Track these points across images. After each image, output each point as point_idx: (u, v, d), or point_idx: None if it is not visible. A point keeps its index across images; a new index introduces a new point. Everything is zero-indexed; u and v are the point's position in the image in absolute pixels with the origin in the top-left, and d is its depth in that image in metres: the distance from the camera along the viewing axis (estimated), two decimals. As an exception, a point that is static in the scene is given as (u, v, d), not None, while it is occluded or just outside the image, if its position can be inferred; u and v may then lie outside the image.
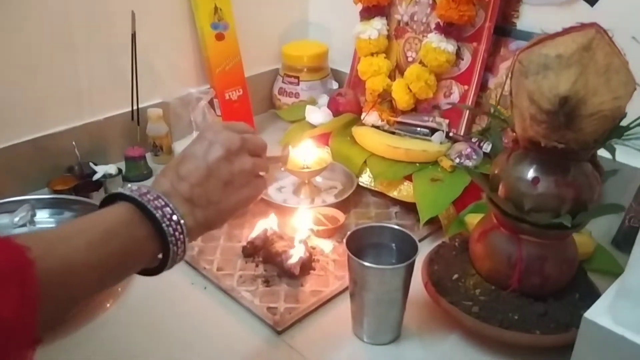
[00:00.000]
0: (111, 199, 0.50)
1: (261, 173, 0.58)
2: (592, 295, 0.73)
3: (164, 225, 0.48)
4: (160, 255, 0.51)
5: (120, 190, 0.50)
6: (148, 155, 1.17)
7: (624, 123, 0.66)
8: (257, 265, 0.90)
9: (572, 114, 0.60)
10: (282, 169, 0.98)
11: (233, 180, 0.54)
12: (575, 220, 0.68)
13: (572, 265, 0.75)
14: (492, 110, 0.96)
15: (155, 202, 0.48)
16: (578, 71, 0.60)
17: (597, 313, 0.67)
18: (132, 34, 1.07)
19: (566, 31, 0.65)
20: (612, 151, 0.64)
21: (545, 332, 0.71)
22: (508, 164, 0.72)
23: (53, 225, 0.95)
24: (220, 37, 1.23)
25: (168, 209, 0.49)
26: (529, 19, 1.06)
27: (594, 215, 0.69)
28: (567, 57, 0.61)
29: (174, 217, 0.49)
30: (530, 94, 0.62)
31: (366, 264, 0.70)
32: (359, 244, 0.75)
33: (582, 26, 0.65)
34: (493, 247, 0.75)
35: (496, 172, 0.74)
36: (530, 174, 0.69)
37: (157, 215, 0.48)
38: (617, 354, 0.65)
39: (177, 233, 0.49)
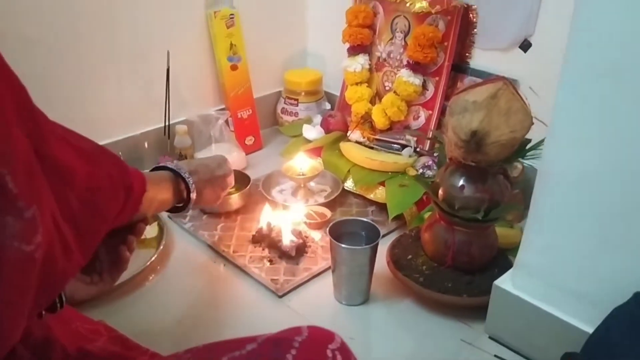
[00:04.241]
0: (158, 168, 0.84)
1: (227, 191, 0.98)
2: (507, 271, 1.01)
3: (187, 179, 0.82)
4: (185, 196, 0.84)
5: (164, 164, 0.84)
6: (176, 161, 1.44)
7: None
8: (263, 249, 1.17)
9: (480, 143, 0.88)
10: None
11: (216, 185, 0.91)
12: (489, 216, 0.96)
13: (492, 249, 1.03)
14: (433, 135, 1.24)
15: (181, 170, 0.82)
16: (485, 113, 0.88)
17: (503, 281, 0.95)
18: (167, 68, 1.35)
19: (483, 82, 0.93)
20: (511, 167, 0.92)
21: (471, 296, 0.99)
22: (445, 174, 1.00)
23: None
24: (234, 67, 1.51)
25: (187, 174, 0.83)
26: (479, 59, 1.34)
27: (502, 212, 0.97)
28: (479, 103, 0.89)
29: (189, 180, 0.82)
30: (453, 128, 0.90)
31: (342, 245, 0.98)
32: (339, 232, 1.03)
33: (496, 79, 0.93)
34: (435, 235, 1.03)
35: (437, 180, 1.02)
36: (459, 182, 0.97)
37: (183, 174, 0.82)
38: (516, 309, 0.92)
39: (191, 185, 0.83)
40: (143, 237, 1.17)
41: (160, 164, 0.85)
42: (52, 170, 0.56)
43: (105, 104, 1.35)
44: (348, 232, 1.04)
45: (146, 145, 1.44)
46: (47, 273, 0.54)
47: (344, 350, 0.59)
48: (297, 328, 0.61)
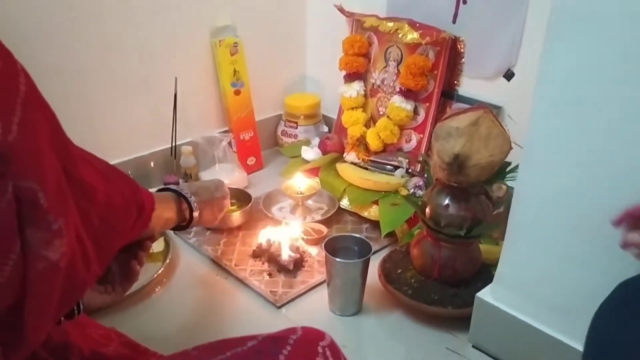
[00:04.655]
0: (162, 190, 0.93)
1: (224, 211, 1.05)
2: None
3: (190, 199, 0.91)
4: (187, 216, 0.92)
5: (169, 186, 0.93)
6: (181, 181, 1.53)
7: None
8: (262, 263, 1.25)
9: (461, 165, 0.96)
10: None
11: (215, 206, 0.99)
12: (472, 233, 1.04)
13: (476, 263, 1.11)
14: (421, 158, 1.33)
15: (184, 192, 0.91)
16: (467, 138, 0.96)
17: (484, 293, 1.02)
18: (174, 93, 1.44)
19: (466, 110, 1.02)
20: (491, 189, 1.01)
21: (456, 307, 1.06)
22: (432, 194, 1.08)
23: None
24: (237, 92, 1.60)
25: (189, 195, 0.91)
26: (466, 87, 1.43)
27: (484, 229, 1.05)
28: (461, 129, 0.97)
29: (191, 199, 0.91)
30: (438, 151, 0.99)
31: (337, 259, 1.06)
32: (334, 247, 1.10)
33: (477, 107, 1.02)
34: (423, 250, 1.11)
35: (425, 199, 1.10)
36: (445, 201, 1.05)
37: (186, 194, 0.90)
38: (496, 320, 1.00)
39: (193, 205, 0.91)
40: (150, 251, 1.26)
41: (164, 186, 0.94)
42: (78, 187, 0.64)
43: (115, 125, 1.44)
44: (342, 247, 1.12)
45: (153, 164, 1.53)
46: (69, 282, 0.60)
47: (333, 347, 0.66)
48: (292, 328, 0.68)
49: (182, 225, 0.93)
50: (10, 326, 0.55)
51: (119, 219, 0.72)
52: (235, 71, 1.58)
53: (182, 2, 1.45)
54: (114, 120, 1.43)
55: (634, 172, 0.76)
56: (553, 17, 0.78)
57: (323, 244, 1.10)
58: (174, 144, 1.51)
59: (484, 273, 1.13)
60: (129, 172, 1.44)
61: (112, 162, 1.44)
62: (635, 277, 0.69)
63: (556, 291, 0.91)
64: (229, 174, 1.52)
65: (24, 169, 0.52)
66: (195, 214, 0.93)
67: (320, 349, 0.65)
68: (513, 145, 1.02)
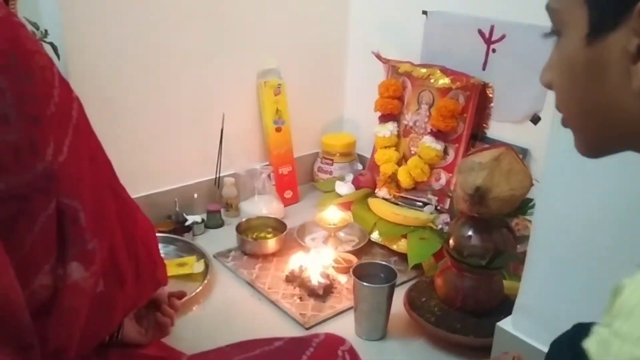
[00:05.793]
0: None
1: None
2: (511, 315, 1.12)
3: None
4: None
5: None
6: (222, 210, 1.63)
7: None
8: (294, 288, 1.32)
9: (482, 197, 1.03)
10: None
11: None
12: (494, 264, 1.09)
13: (498, 295, 1.14)
14: (448, 194, 1.39)
15: None
16: (488, 172, 1.03)
17: (505, 323, 1.06)
18: (221, 129, 1.57)
19: (489, 147, 1.09)
20: (508, 224, 1.06)
21: (478, 336, 1.10)
22: (455, 226, 1.14)
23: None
24: (278, 129, 1.72)
25: None
26: (495, 129, 1.49)
27: (505, 260, 1.10)
28: (483, 163, 1.04)
29: None
30: (461, 184, 1.06)
31: (364, 283, 1.12)
32: (361, 273, 1.17)
33: (500, 145, 1.09)
34: (447, 280, 1.16)
35: (449, 231, 1.16)
36: (467, 233, 1.11)
37: None
38: (516, 349, 1.02)
39: None
40: (190, 271, 1.36)
41: None
42: (124, 209, 0.70)
43: (165, 156, 1.57)
44: (370, 274, 1.18)
45: (196, 195, 1.64)
46: (100, 300, 0.64)
47: (352, 352, 0.72)
48: (316, 334, 0.75)
49: None
50: (35, 334, 0.56)
51: (154, 247, 0.79)
52: (277, 110, 1.70)
53: (233, 46, 1.59)
54: (164, 152, 1.56)
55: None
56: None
57: (352, 269, 1.17)
58: (217, 175, 1.63)
59: (507, 305, 1.15)
60: (176, 200, 1.55)
61: (159, 190, 1.59)
62: (590, 323, 0.71)
63: (574, 321, 0.94)
64: (267, 205, 1.62)
65: (69, 189, 0.57)
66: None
67: (340, 352, 0.71)
68: (534, 182, 1.07)
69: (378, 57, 1.63)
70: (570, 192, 0.90)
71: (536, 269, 0.99)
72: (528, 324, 1.01)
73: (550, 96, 1.38)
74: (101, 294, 0.64)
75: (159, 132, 1.53)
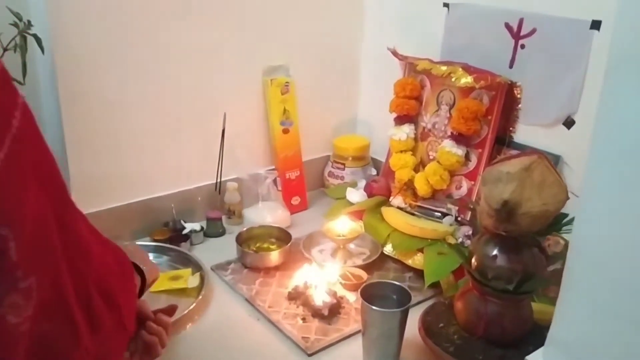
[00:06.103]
0: None
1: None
2: (542, 347, 0.98)
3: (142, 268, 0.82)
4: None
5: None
6: (224, 218, 1.52)
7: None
8: (297, 306, 1.20)
9: (511, 213, 0.89)
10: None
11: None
12: (522, 288, 0.95)
13: (526, 323, 1.01)
14: (470, 206, 1.25)
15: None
16: (517, 184, 0.90)
17: (536, 357, 0.92)
18: (222, 130, 1.45)
19: (518, 154, 0.96)
20: (543, 241, 0.92)
21: (502, 371, 0.97)
22: (479, 243, 1.00)
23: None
24: (286, 131, 1.60)
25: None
26: (522, 134, 1.35)
27: (535, 285, 0.96)
28: (512, 174, 0.91)
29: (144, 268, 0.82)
30: (485, 197, 0.92)
31: (373, 307, 1.00)
32: (371, 294, 1.04)
33: (530, 152, 0.95)
34: (468, 304, 1.02)
35: (471, 249, 1.02)
36: (492, 252, 0.97)
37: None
38: (548, 387, 0.89)
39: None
40: (185, 286, 1.24)
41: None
42: (74, 245, 0.56)
43: (163, 159, 1.46)
44: (380, 294, 1.05)
45: (199, 199, 1.53)
46: (45, 354, 0.52)
47: None
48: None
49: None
50: None
51: (115, 289, 0.64)
52: (285, 110, 1.58)
53: (237, 40, 1.48)
54: (163, 154, 1.45)
55: None
56: (611, 59, 0.72)
57: (360, 290, 1.04)
58: (219, 180, 1.51)
59: (536, 335, 1.02)
60: (173, 206, 1.45)
61: (157, 195, 1.48)
62: None
63: (616, 357, 0.80)
64: (272, 213, 1.50)
65: None
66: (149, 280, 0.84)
67: None
68: (570, 195, 0.94)
69: (394, 53, 1.50)
70: (616, 208, 0.76)
71: (572, 296, 0.85)
72: (563, 358, 0.88)
73: (586, 97, 1.24)
74: (45, 345, 0.52)
75: (155, 131, 1.42)
